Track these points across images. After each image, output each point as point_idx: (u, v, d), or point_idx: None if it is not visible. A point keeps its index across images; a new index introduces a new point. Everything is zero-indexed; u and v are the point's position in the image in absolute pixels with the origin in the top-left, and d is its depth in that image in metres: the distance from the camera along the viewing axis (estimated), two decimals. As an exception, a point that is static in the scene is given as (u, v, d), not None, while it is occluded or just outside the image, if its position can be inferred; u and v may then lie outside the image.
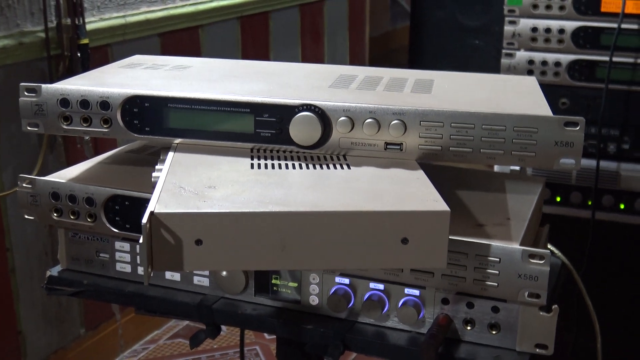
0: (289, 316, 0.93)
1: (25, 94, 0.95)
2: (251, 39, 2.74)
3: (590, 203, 1.66)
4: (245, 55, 2.71)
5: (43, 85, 0.95)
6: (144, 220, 0.72)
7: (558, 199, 1.70)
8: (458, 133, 0.89)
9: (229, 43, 2.63)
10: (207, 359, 2.32)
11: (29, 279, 2.00)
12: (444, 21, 3.69)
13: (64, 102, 0.94)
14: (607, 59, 1.61)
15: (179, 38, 2.38)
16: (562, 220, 1.68)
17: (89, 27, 1.97)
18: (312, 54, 3.14)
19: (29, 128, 0.96)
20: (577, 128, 0.88)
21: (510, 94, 1.02)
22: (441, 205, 0.78)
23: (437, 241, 0.77)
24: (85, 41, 1.93)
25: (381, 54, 4.50)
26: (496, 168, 1.65)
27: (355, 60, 3.48)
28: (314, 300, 0.93)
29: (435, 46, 3.75)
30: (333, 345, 0.89)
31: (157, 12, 2.27)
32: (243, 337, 1.25)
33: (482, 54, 3.63)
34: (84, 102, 0.94)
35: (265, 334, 2.39)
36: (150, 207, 0.74)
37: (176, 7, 2.35)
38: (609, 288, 1.71)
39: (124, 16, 2.16)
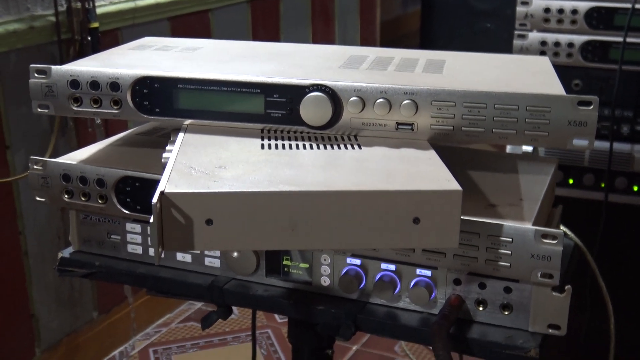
0: (300, 297, 0.93)
1: (35, 75, 0.95)
2: (261, 23, 2.73)
3: (603, 185, 1.65)
4: (256, 39, 2.70)
5: (53, 67, 0.94)
6: (155, 200, 0.72)
7: (571, 181, 1.69)
8: (470, 113, 0.88)
9: (239, 27, 2.62)
10: (219, 342, 2.33)
11: (42, 263, 2.01)
12: (455, 5, 3.66)
13: (74, 83, 0.94)
14: (620, 39, 1.59)
15: (189, 22, 2.38)
16: (575, 203, 1.67)
17: (99, 10, 1.97)
18: (322, 37, 3.13)
19: (39, 110, 0.96)
20: (591, 107, 0.87)
21: (522, 74, 1.01)
22: (453, 184, 0.77)
23: (449, 221, 0.76)
24: (96, 25, 1.93)
25: (392, 39, 4.48)
26: (508, 149, 1.64)
27: (366, 44, 3.46)
28: (325, 281, 0.92)
29: (446, 30, 3.73)
30: (344, 325, 0.89)
31: (167, -4, 2.26)
32: (255, 319, 1.25)
33: (493, 38, 3.60)
34: (94, 84, 0.94)
35: (277, 317, 2.40)
36: (160, 187, 0.74)
37: (186, -9, 2.34)
38: (622, 270, 1.70)
39: (134, 0, 2.15)
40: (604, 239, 1.61)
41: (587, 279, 1.45)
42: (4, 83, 1.82)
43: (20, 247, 1.95)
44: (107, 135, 2.02)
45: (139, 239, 1.00)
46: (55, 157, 0.99)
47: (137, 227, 0.99)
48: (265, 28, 2.76)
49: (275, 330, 2.36)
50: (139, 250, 1.00)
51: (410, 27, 4.92)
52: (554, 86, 0.93)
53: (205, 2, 2.42)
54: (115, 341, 2.29)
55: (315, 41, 3.08)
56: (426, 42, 3.85)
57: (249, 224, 0.75)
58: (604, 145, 1.61)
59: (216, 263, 0.97)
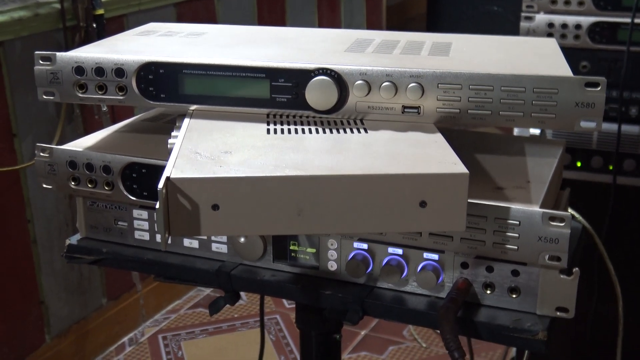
0: (308, 282, 0.93)
1: (40, 62, 0.95)
2: (267, 9, 2.72)
3: (611, 168, 1.64)
4: (261, 24, 2.69)
5: (58, 54, 0.94)
6: (160, 185, 0.72)
7: (579, 164, 1.68)
8: (476, 95, 0.88)
9: (244, 12, 2.61)
10: (227, 328, 2.34)
11: (50, 250, 2.01)
12: (462, -13, 3.64)
13: (79, 70, 0.94)
14: (628, 20, 1.58)
15: (195, 8, 2.37)
16: (583, 186, 1.66)
17: (104, -3, 1.97)
18: (328, 22, 3.11)
19: (44, 97, 0.96)
20: (598, 88, 0.86)
21: (529, 56, 1.00)
22: (460, 167, 0.77)
23: (456, 204, 0.76)
24: (101, 12, 1.93)
25: (398, 23, 4.46)
26: (515, 132, 1.63)
27: (372, 28, 3.44)
28: (332, 265, 0.92)
29: (452, 14, 3.71)
30: (352, 310, 0.89)
31: (172, -18, 2.26)
32: (263, 305, 1.25)
33: (500, 21, 3.59)
34: (99, 70, 0.94)
35: (285, 303, 2.40)
36: (166, 173, 0.73)
37: (191, -24, 2.34)
38: (630, 252, 1.70)
39: (138, -14, 2.15)
40: (612, 222, 1.60)
41: (595, 261, 1.44)
42: (10, 71, 1.82)
43: (28, 234, 1.95)
44: (114, 122, 2.02)
45: (146, 225, 1.00)
46: (61, 144, 0.99)
47: (144, 214, 0.99)
48: (271, 13, 2.75)
49: (283, 316, 2.37)
50: (146, 236, 1.00)
51: (416, 11, 4.90)
52: (561, 68, 0.92)
53: (210, -13, 2.41)
54: (124, 328, 2.30)
55: (321, 26, 3.07)
56: (432, 25, 3.83)
57: (255, 209, 0.74)
58: (612, 127, 1.60)
59: (223, 249, 0.97)
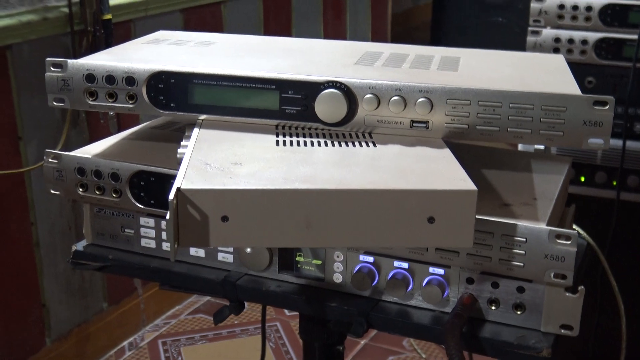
0: (313, 293, 0.93)
1: (52, 69, 0.95)
2: (273, 15, 2.73)
3: (615, 183, 1.65)
4: (267, 31, 2.70)
5: (69, 61, 0.95)
6: (171, 196, 0.72)
7: (583, 178, 1.68)
8: (485, 111, 0.88)
9: (251, 19, 2.62)
10: (227, 334, 2.34)
11: (53, 253, 2.02)
12: (467, -2, 3.65)
13: (90, 77, 0.94)
14: (635, 37, 1.58)
15: (201, 14, 2.38)
16: (586, 200, 1.66)
17: (112, 2, 1.97)
18: (333, 30, 3.12)
19: (54, 103, 0.96)
20: (606, 107, 0.86)
21: (538, 72, 1.01)
22: (468, 184, 0.77)
23: (463, 220, 0.76)
24: (109, 16, 1.93)
25: (403, 31, 4.47)
26: (520, 147, 1.64)
27: (377, 36, 3.45)
28: (337, 278, 0.93)
29: (457, 23, 3.72)
30: (357, 323, 0.89)
31: (179, -12, 2.26)
32: (265, 314, 1.25)
33: (505, 31, 3.59)
34: (110, 78, 0.94)
35: (286, 311, 2.40)
36: (176, 184, 0.74)
37: (199, -17, 2.34)
38: (633, 268, 1.70)
39: (146, -9, 2.15)
40: (615, 237, 1.60)
41: (598, 277, 1.45)
42: (17, 74, 1.83)
43: (31, 237, 1.95)
44: (119, 127, 2.03)
45: (152, 233, 1.00)
46: (67, 148, 1.00)
47: (151, 222, 1.00)
48: (277, 21, 2.76)
49: (283, 324, 2.37)
50: (152, 244, 1.00)
51: (421, 20, 4.91)
52: (570, 85, 0.92)
53: (217, -6, 2.42)
54: (125, 332, 2.31)
55: (327, 33, 3.07)
56: (437, 34, 3.84)
57: (264, 221, 0.75)
58: (616, 143, 1.61)
59: (229, 258, 0.97)
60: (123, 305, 2.29)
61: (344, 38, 3.20)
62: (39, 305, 2.01)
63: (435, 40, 3.79)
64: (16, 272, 1.93)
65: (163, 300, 2.43)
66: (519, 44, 1.82)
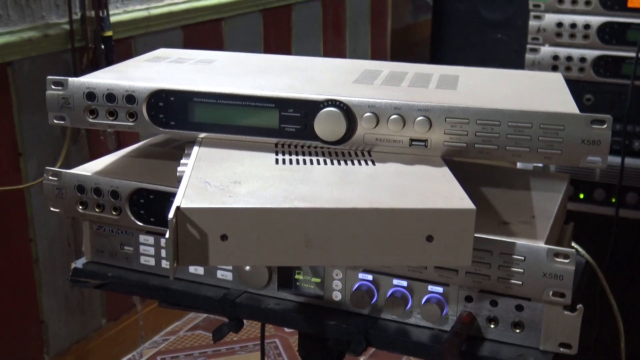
0: (312, 311, 0.93)
1: (52, 87, 0.96)
2: (273, 32, 2.74)
3: (614, 200, 1.65)
4: (268, 48, 2.71)
5: (69, 79, 0.95)
6: (171, 215, 0.73)
7: (581, 195, 1.69)
8: (484, 130, 0.89)
9: (251, 36, 2.63)
10: (226, 351, 2.34)
11: (52, 270, 2.02)
12: (466, 14, 3.66)
13: (90, 95, 0.95)
14: (633, 54, 1.59)
15: (202, 30, 2.39)
16: (585, 217, 1.66)
17: (112, 19, 1.98)
18: (333, 46, 3.13)
19: (55, 121, 0.97)
20: (604, 126, 0.87)
21: (536, 91, 1.01)
22: (467, 203, 0.77)
23: (462, 239, 0.77)
24: (109, 33, 1.94)
25: (402, 47, 4.48)
26: (518, 164, 1.64)
27: (377, 53, 3.47)
28: (336, 295, 0.93)
29: (457, 40, 3.73)
30: (356, 341, 0.89)
31: (180, 5, 2.28)
32: (264, 332, 1.25)
33: (504, 48, 3.60)
34: (110, 96, 0.95)
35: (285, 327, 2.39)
36: (176, 202, 0.74)
37: (199, 0, 2.35)
38: (632, 286, 1.70)
39: (147, 8, 2.16)
40: (614, 254, 1.61)
41: (597, 294, 1.45)
42: (17, 90, 1.84)
43: (30, 254, 1.95)
44: (119, 144, 2.03)
45: (151, 250, 1.00)
46: (67, 165, 1.00)
47: (150, 239, 1.00)
48: (277, 37, 2.77)
49: (282, 340, 2.36)
50: (151, 262, 1.00)
51: (420, 36, 4.92)
52: (568, 104, 0.93)
53: (218, 11, 2.43)
54: (124, 349, 2.30)
55: (327, 50, 3.09)
56: (436, 51, 3.85)
57: (264, 240, 0.75)
58: (615, 160, 1.61)
59: (228, 276, 0.97)
60: (122, 321, 2.28)
61: (343, 54, 3.21)
62: (37, 322, 2.01)
63: (435, 56, 3.80)
64: (15, 289, 1.93)
65: (162, 317, 2.43)
66: (517, 61, 1.83)
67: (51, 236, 2.00)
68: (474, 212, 0.76)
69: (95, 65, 1.91)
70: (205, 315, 2.52)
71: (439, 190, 0.82)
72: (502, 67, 1.17)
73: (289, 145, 0.93)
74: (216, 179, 0.81)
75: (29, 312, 1.98)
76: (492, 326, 0.87)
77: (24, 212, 1.91)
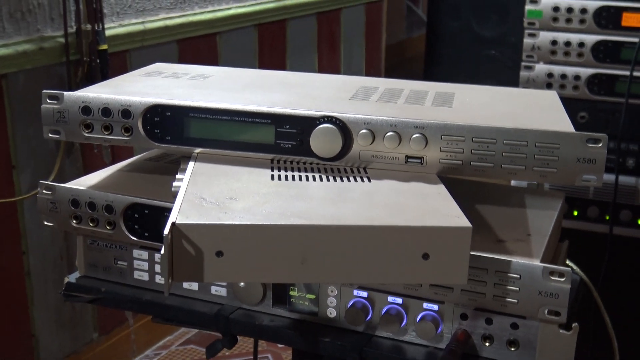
0: (306, 328, 0.93)
1: (48, 100, 0.95)
2: (268, 47, 2.74)
3: (608, 218, 1.65)
4: (262, 63, 2.72)
5: (65, 93, 0.95)
6: (166, 231, 0.72)
7: (575, 213, 1.69)
8: (479, 148, 0.89)
9: (246, 50, 2.64)
10: (219, 365, 2.32)
11: (44, 283, 2.00)
12: (460, 31, 3.68)
13: (86, 109, 0.95)
14: (627, 73, 1.60)
15: (197, 45, 2.39)
16: (578, 234, 1.66)
17: (108, 32, 1.99)
18: (328, 61, 3.14)
19: (50, 135, 0.96)
20: (600, 145, 0.87)
21: (531, 109, 1.02)
22: (463, 221, 0.77)
23: (458, 257, 0.76)
24: (105, 47, 1.94)
25: (396, 63, 4.50)
26: (513, 182, 1.64)
27: (371, 68, 3.48)
28: (331, 312, 0.92)
29: (450, 56, 3.74)
30: (350, 358, 0.89)
31: (175, 19, 2.28)
32: (257, 348, 1.24)
33: (497, 65, 3.62)
34: (106, 110, 0.94)
35: (278, 342, 2.38)
36: (171, 218, 0.74)
37: (194, 14, 2.36)
38: (626, 304, 1.70)
39: (142, 22, 2.17)
40: (607, 272, 1.61)
41: (591, 311, 1.45)
42: (12, 103, 1.83)
43: (22, 266, 1.94)
44: (113, 157, 2.03)
45: (145, 265, 1.00)
46: (60, 178, 1.00)
47: (144, 254, 0.99)
48: (272, 51, 2.78)
49: (275, 355, 2.35)
50: (145, 277, 1.00)
51: (414, 51, 4.94)
52: (563, 123, 0.93)
53: (213, 25, 2.43)
54: (115, 363, 2.29)
55: (321, 64, 3.09)
56: (430, 67, 3.86)
57: (259, 257, 0.75)
58: (609, 178, 1.61)
59: (222, 292, 0.97)
60: (113, 335, 2.27)
61: (338, 69, 3.22)
62: (28, 336, 2.00)
63: (429, 72, 3.81)
64: (6, 302, 1.92)
65: (154, 331, 2.41)
66: (511, 78, 1.83)
67: (43, 249, 1.99)
68: (470, 230, 0.76)
69: (90, 78, 1.91)
70: (197, 330, 2.51)
71: (435, 207, 0.82)
72: (495, 83, 1.17)
73: (285, 161, 0.93)
74: (212, 195, 0.81)
75: (19, 325, 1.97)
76: (487, 344, 0.87)
77: (17, 225, 1.91)
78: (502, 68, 3.57)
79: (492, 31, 3.62)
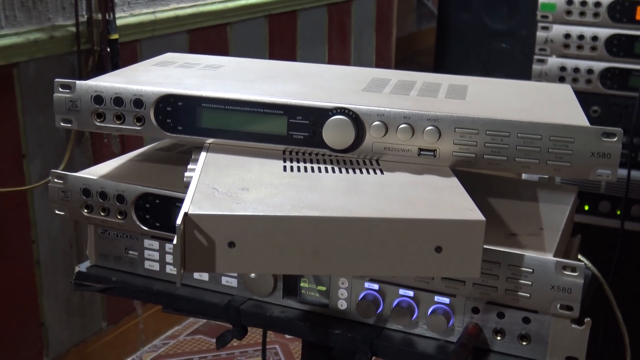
0: (317, 320, 0.93)
1: (60, 89, 0.95)
2: (279, 38, 2.74)
3: (619, 212, 1.64)
4: (273, 54, 2.71)
5: (77, 82, 0.95)
6: (179, 221, 0.72)
7: (586, 207, 1.68)
8: (493, 141, 0.88)
9: (256, 41, 2.63)
10: (226, 356, 2.33)
11: (53, 272, 2.01)
12: (470, 24, 3.67)
13: (98, 99, 0.95)
14: (640, 67, 1.59)
15: (208, 35, 2.39)
16: (589, 229, 1.66)
17: (119, 22, 1.98)
18: (338, 53, 3.13)
19: (62, 124, 0.96)
20: (615, 139, 0.86)
21: (545, 102, 1.01)
22: (476, 214, 0.77)
23: (471, 250, 0.76)
24: (115, 36, 1.94)
25: (406, 55, 4.48)
26: (524, 175, 1.64)
27: (381, 61, 3.47)
28: (342, 304, 0.92)
29: (461, 49, 3.73)
30: (361, 351, 0.89)
31: (186, 9, 2.27)
32: (265, 338, 1.24)
33: (508, 58, 3.60)
34: (118, 100, 0.94)
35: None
36: (184, 209, 0.74)
37: (205, 4, 2.35)
38: (637, 299, 1.69)
39: (153, 12, 2.16)
40: (619, 267, 1.60)
41: (602, 306, 1.44)
42: (23, 92, 1.83)
43: (32, 255, 1.95)
44: (123, 147, 2.03)
45: (156, 255, 1.00)
46: (70, 167, 1.00)
47: (155, 244, 0.99)
48: (283, 42, 2.77)
49: (283, 347, 2.35)
50: (156, 267, 1.00)
51: (424, 44, 4.93)
52: (578, 116, 0.93)
53: (224, 16, 2.43)
54: (123, 352, 2.29)
55: (331, 56, 3.08)
56: (441, 59, 3.85)
57: (271, 248, 0.74)
58: (621, 172, 1.60)
59: (233, 283, 0.97)
60: (122, 325, 2.28)
61: (348, 61, 3.21)
62: (38, 324, 2.00)
63: (439, 64, 3.80)
64: (16, 290, 1.93)
65: (162, 321, 2.42)
66: (522, 71, 1.82)
67: (53, 238, 1.99)
68: (484, 223, 0.76)
69: (101, 68, 1.91)
70: (205, 320, 2.52)
71: (448, 200, 0.81)
72: (505, 76, 1.16)
73: (297, 153, 0.93)
74: (224, 185, 0.81)
75: (29, 314, 1.97)
76: (498, 338, 0.86)
77: (27, 214, 1.91)
78: (512, 61, 3.55)
79: (502, 24, 3.60)
